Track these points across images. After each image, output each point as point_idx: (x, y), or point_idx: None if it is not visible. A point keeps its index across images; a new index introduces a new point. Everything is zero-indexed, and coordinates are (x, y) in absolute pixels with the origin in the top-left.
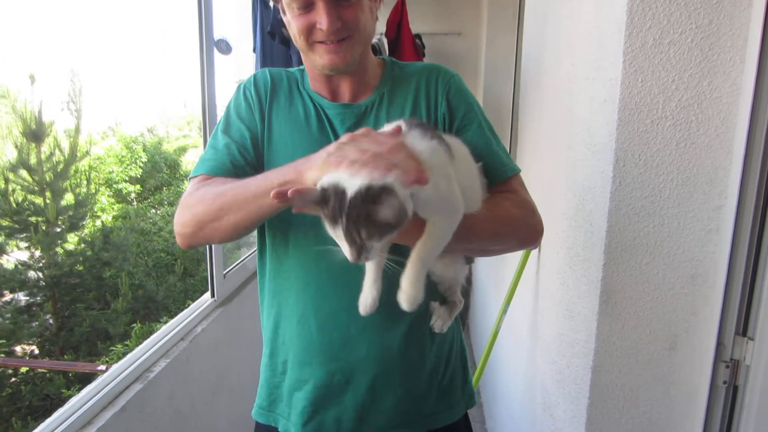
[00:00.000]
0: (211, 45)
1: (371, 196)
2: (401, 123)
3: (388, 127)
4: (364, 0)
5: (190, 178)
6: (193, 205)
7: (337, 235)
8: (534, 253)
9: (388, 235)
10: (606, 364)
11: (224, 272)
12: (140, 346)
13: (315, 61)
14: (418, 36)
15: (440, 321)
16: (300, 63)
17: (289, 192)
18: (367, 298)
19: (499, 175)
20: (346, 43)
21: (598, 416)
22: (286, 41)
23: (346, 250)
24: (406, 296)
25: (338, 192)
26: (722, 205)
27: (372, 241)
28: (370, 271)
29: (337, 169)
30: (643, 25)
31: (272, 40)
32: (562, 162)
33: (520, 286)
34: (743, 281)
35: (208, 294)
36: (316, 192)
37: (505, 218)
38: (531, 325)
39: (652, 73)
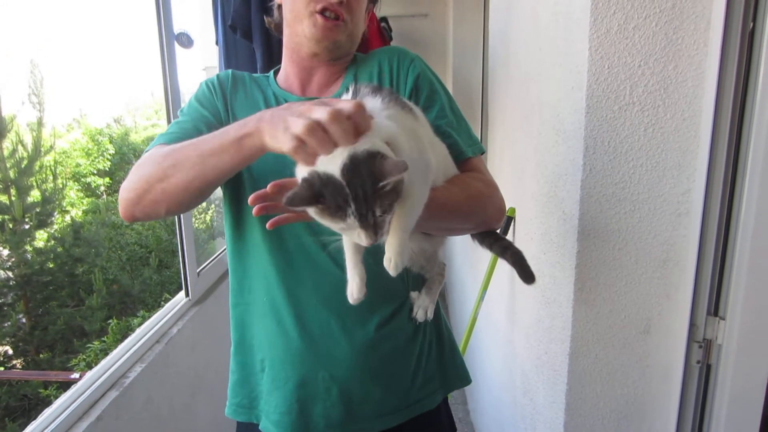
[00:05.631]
0: (171, 39)
1: (367, 164)
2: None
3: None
4: None
5: (146, 151)
6: (141, 166)
7: (347, 224)
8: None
9: (395, 202)
10: (582, 350)
11: (198, 270)
12: (114, 352)
13: (305, 30)
14: (384, 19)
15: (422, 310)
16: (263, 58)
17: (268, 187)
18: (353, 287)
19: (462, 153)
20: (341, 25)
21: (576, 401)
22: (248, 35)
23: (361, 235)
24: (393, 264)
25: (326, 178)
26: (691, 188)
27: (385, 215)
28: (350, 258)
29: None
30: (607, 11)
31: (234, 34)
32: (533, 147)
33: (497, 272)
34: (713, 262)
35: (182, 293)
36: (304, 188)
37: (476, 196)
38: (508, 311)
39: (618, 59)
